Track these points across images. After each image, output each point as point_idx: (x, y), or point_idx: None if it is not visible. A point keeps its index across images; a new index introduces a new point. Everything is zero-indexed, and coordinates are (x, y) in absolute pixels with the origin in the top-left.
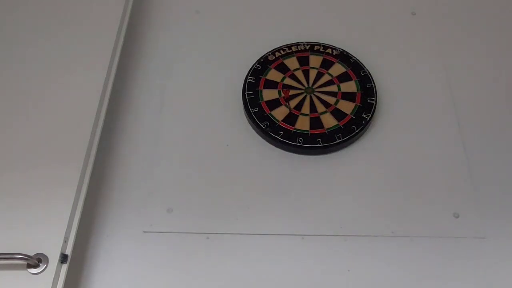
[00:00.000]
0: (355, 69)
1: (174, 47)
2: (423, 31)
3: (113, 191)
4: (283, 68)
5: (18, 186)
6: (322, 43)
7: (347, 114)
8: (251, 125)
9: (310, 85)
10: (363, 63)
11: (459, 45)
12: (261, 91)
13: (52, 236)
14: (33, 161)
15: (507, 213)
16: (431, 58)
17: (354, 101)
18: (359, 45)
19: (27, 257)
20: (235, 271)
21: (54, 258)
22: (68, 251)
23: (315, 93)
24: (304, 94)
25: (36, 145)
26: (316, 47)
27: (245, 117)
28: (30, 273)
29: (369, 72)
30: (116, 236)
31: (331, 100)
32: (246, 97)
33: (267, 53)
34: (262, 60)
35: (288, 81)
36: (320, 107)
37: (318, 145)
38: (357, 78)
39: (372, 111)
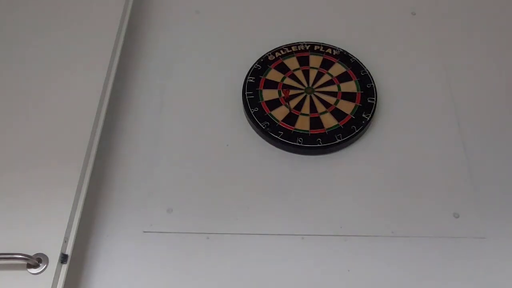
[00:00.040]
0: (355, 69)
1: (174, 47)
2: (423, 31)
3: (113, 191)
4: (283, 68)
5: (18, 186)
6: (322, 43)
7: (347, 114)
8: (251, 125)
9: (310, 85)
10: (363, 63)
11: (459, 45)
12: (261, 91)
13: (52, 236)
14: (33, 161)
15: (507, 213)
16: (431, 58)
17: (354, 101)
18: (359, 45)
19: (27, 257)
20: (235, 271)
21: (54, 258)
22: (68, 251)
23: (315, 93)
24: (304, 94)
25: (36, 145)
26: (316, 47)
27: (245, 117)
28: (30, 273)
29: (369, 72)
30: (116, 236)
31: (331, 100)
32: (246, 97)
33: (267, 53)
34: (262, 60)
35: (288, 81)
36: (320, 107)
37: (318, 145)
38: (357, 78)
39: (372, 111)
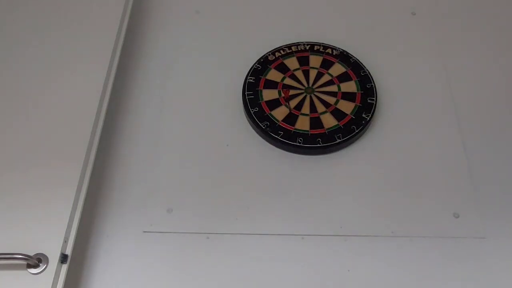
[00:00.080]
0: (355, 69)
1: (174, 47)
2: (423, 31)
3: (113, 191)
4: (283, 68)
5: (18, 186)
6: (322, 43)
7: (347, 114)
8: (251, 125)
9: (310, 85)
10: (363, 63)
11: (459, 45)
12: (261, 91)
13: (52, 236)
14: (33, 161)
15: (507, 213)
16: (431, 58)
17: (354, 101)
18: (359, 45)
19: (27, 257)
20: (235, 271)
21: (54, 258)
22: (68, 251)
23: (315, 93)
24: (304, 94)
25: (36, 145)
26: (316, 47)
27: (245, 117)
28: (30, 273)
29: (369, 72)
30: (116, 236)
31: (331, 100)
32: (246, 97)
33: (267, 53)
34: (262, 60)
35: (288, 81)
36: (320, 107)
37: (318, 145)
38: (357, 78)
39: (372, 111)
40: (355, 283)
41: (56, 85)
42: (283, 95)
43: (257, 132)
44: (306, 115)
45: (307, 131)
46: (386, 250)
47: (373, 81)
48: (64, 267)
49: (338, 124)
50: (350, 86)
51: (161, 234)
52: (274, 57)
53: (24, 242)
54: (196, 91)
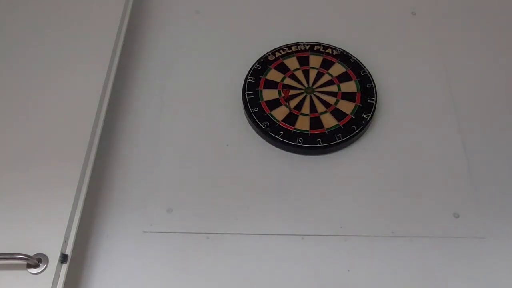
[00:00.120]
0: (355, 69)
1: (174, 47)
2: (423, 31)
3: (113, 191)
4: (283, 68)
5: (18, 186)
6: (322, 43)
7: (347, 114)
8: (251, 125)
9: (310, 85)
10: (363, 63)
11: (459, 45)
12: (261, 91)
13: (52, 236)
14: (33, 161)
15: (507, 213)
16: (431, 58)
17: (354, 101)
18: (359, 45)
19: (27, 257)
20: (235, 271)
21: (54, 258)
22: (68, 251)
23: (315, 93)
24: (304, 94)
25: (36, 145)
26: (316, 47)
27: (245, 117)
28: (30, 273)
29: (369, 72)
30: (116, 236)
31: (331, 100)
32: (246, 97)
33: (267, 53)
34: (262, 60)
35: (288, 81)
36: (320, 107)
37: (318, 145)
38: (357, 78)
39: (372, 111)
40: (355, 283)
41: (56, 85)
42: (283, 95)
43: (257, 132)
44: (306, 115)
45: (307, 131)
46: (386, 250)
47: (373, 81)
48: (64, 267)
49: (338, 124)
50: (350, 86)
51: (161, 234)
52: (274, 57)
53: (24, 242)
54: (196, 91)
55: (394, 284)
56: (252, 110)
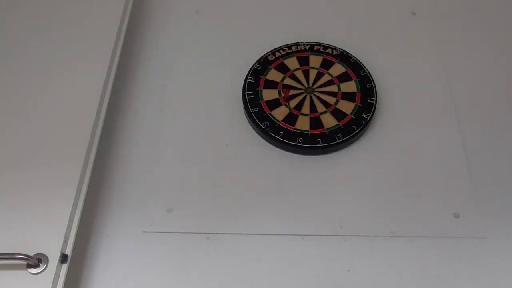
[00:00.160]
0: (355, 69)
1: (174, 47)
2: (423, 31)
3: (113, 191)
4: (283, 68)
5: (18, 186)
6: (322, 43)
7: (347, 114)
8: (251, 125)
9: (310, 85)
10: (363, 63)
11: (459, 45)
12: (261, 91)
13: (52, 236)
14: (33, 161)
15: (507, 213)
16: (431, 58)
17: (354, 101)
18: (359, 45)
19: (27, 257)
20: (235, 271)
21: (54, 258)
22: (68, 251)
23: (315, 93)
24: (304, 94)
25: (36, 145)
26: (316, 47)
27: (245, 117)
28: (30, 273)
29: (369, 72)
30: (116, 236)
31: (331, 100)
32: (246, 97)
33: (267, 53)
34: (262, 60)
35: (288, 81)
36: (320, 107)
37: (318, 145)
38: (357, 78)
39: (372, 111)
40: (355, 283)
41: (56, 85)
42: (283, 95)
43: (257, 132)
44: (306, 115)
45: (307, 131)
46: (386, 250)
47: (373, 81)
48: (64, 267)
49: (338, 124)
50: (350, 86)
51: (161, 234)
52: (274, 57)
53: (24, 242)
54: (196, 91)
55: (394, 284)
56: (252, 110)
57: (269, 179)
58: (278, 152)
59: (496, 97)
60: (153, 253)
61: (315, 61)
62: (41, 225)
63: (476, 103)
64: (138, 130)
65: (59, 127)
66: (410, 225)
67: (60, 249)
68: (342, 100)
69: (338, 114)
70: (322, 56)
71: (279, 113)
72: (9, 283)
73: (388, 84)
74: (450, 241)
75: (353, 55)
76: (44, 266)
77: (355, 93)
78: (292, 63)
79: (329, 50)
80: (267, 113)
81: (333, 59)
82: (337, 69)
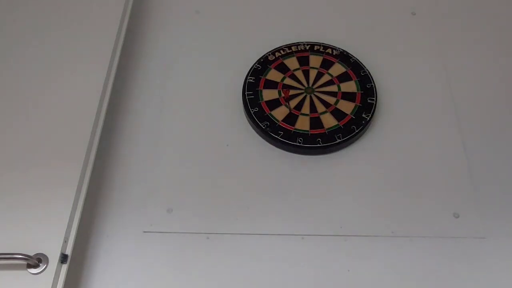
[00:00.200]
0: (355, 69)
1: (174, 47)
2: (423, 31)
3: (113, 191)
4: (283, 68)
5: (18, 186)
6: (322, 43)
7: (347, 114)
8: (251, 125)
9: (310, 85)
10: (363, 63)
11: (459, 45)
12: (261, 91)
13: (52, 236)
14: (33, 161)
15: (507, 213)
16: (431, 58)
17: (354, 101)
18: (359, 45)
19: (27, 257)
20: (235, 271)
21: (54, 258)
22: (68, 251)
23: (315, 93)
24: (304, 94)
25: (36, 145)
26: (316, 47)
27: (245, 117)
28: (30, 273)
29: (369, 72)
30: (116, 236)
31: (331, 100)
32: (246, 97)
33: (267, 53)
34: (262, 60)
35: (288, 81)
36: (320, 107)
37: (318, 145)
38: (357, 78)
39: (372, 111)
40: (355, 283)
41: (56, 85)
42: (283, 95)
43: (257, 132)
44: (306, 115)
45: (307, 131)
46: (386, 250)
47: (373, 81)
48: (64, 267)
49: (338, 124)
50: (350, 86)
51: (161, 234)
52: (274, 57)
53: (24, 242)
54: (196, 91)
55: (394, 284)
56: (252, 110)
57: (269, 179)
58: (278, 152)
59: (496, 97)
60: (153, 253)
61: (315, 61)
62: (41, 225)
63: (476, 103)
64: (138, 130)
65: (59, 127)
66: (410, 225)
67: (60, 249)
68: (342, 100)
69: (338, 114)
70: (322, 56)
71: (279, 113)
72: (9, 283)
73: (388, 84)
74: (450, 241)
75: (353, 55)
76: (44, 266)
77: (355, 93)
78: (292, 63)
79: (329, 50)
80: (267, 113)
81: (333, 59)
82: (337, 69)
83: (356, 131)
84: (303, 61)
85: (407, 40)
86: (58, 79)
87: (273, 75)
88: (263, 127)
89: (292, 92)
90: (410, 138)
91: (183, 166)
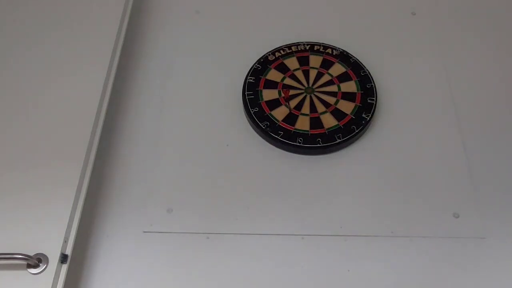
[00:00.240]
0: (355, 69)
1: (174, 47)
2: (423, 31)
3: (113, 191)
4: (283, 68)
5: (18, 186)
6: (322, 43)
7: (347, 114)
8: (251, 125)
9: (310, 85)
10: (363, 63)
11: (459, 45)
12: (261, 91)
13: (52, 236)
14: (33, 161)
15: (507, 213)
16: (431, 58)
17: (354, 101)
18: (359, 45)
19: (27, 257)
20: (235, 271)
21: (54, 258)
22: (68, 251)
23: (315, 93)
24: (304, 94)
25: (36, 145)
26: (316, 47)
27: (245, 117)
28: (30, 273)
29: (369, 72)
30: (116, 236)
31: (331, 100)
32: (246, 97)
33: (267, 53)
34: (262, 60)
35: (288, 81)
36: (320, 107)
37: (318, 145)
38: (357, 78)
39: (372, 111)
40: (355, 283)
41: (56, 85)
42: (283, 95)
43: (257, 132)
44: (306, 115)
45: (307, 131)
46: (386, 250)
47: (373, 81)
48: (64, 267)
49: (338, 124)
50: (350, 86)
51: (161, 234)
52: (274, 57)
53: (24, 242)
54: (196, 91)
55: (394, 284)
56: (252, 110)
57: (269, 179)
58: (278, 152)
59: (496, 97)
60: (153, 253)
61: (315, 61)
62: (41, 225)
63: (476, 103)
64: (138, 130)
65: (59, 127)
66: (410, 225)
67: (60, 249)
68: (342, 100)
69: (338, 114)
70: (322, 56)
71: (279, 113)
72: (9, 283)
73: (388, 84)
74: (450, 241)
75: (353, 55)
76: (44, 266)
77: (355, 93)
78: (292, 63)
79: (329, 50)
80: (267, 113)
81: (333, 59)
82: (337, 69)
83: (356, 131)
84: (303, 61)
85: (407, 40)
86: (58, 79)
87: (273, 75)
88: (263, 127)
89: (292, 92)
90: (410, 138)
91: (183, 166)
